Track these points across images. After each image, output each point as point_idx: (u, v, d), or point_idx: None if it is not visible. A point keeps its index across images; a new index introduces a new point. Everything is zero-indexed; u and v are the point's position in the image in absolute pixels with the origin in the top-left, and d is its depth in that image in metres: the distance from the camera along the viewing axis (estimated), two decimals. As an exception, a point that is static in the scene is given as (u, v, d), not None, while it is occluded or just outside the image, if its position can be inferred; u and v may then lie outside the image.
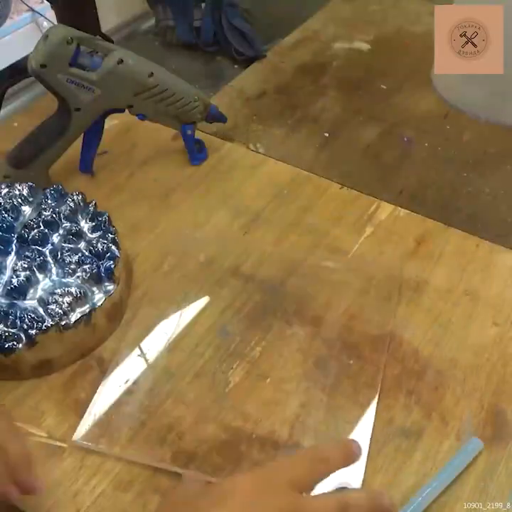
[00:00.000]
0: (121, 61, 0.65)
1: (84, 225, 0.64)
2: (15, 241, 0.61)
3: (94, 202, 0.66)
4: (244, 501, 0.39)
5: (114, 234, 0.63)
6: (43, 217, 0.62)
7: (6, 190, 0.65)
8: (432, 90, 0.93)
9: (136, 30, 1.09)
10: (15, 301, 0.57)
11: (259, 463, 0.52)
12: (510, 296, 0.64)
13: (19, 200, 0.64)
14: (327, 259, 0.67)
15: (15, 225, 0.63)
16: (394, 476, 0.51)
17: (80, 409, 0.55)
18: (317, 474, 0.42)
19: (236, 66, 0.99)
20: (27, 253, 0.59)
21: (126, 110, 0.71)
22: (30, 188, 0.66)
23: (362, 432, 0.53)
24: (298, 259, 0.67)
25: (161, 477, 0.51)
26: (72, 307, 0.57)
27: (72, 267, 0.59)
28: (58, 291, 0.57)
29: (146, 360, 0.59)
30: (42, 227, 0.62)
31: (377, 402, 0.55)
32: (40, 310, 0.56)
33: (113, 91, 0.67)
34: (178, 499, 0.43)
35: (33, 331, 0.55)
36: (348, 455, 0.43)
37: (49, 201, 0.65)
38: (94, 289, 0.59)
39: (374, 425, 0.54)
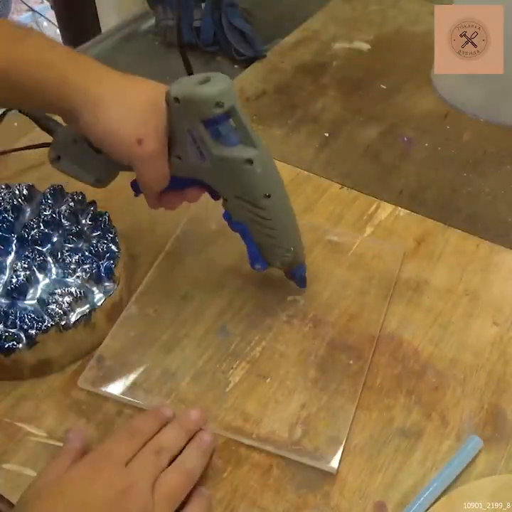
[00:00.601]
0: (250, 161, 0.53)
1: (84, 225, 0.64)
2: (15, 241, 0.61)
3: (94, 202, 0.66)
4: (78, 491, 0.44)
5: (114, 234, 0.63)
6: (43, 217, 0.62)
7: (6, 190, 0.65)
8: (432, 90, 0.93)
9: (136, 30, 1.09)
10: (15, 301, 0.57)
11: (259, 463, 0.52)
12: (510, 296, 0.64)
13: (19, 200, 0.64)
14: (327, 259, 0.67)
15: (15, 225, 0.63)
16: (394, 476, 0.51)
17: (80, 409, 0.55)
18: (136, 444, 0.47)
19: (236, 66, 0.99)
20: (27, 253, 0.59)
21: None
22: (30, 188, 0.66)
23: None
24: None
25: (161, 477, 0.51)
26: (72, 307, 0.57)
27: (72, 266, 0.59)
28: (58, 291, 0.57)
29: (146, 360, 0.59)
30: (42, 227, 0.62)
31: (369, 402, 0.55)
32: (40, 310, 0.56)
33: (222, 177, 0.55)
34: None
35: (33, 331, 0.55)
36: (161, 419, 0.50)
37: (49, 201, 0.65)
38: (94, 289, 0.59)
39: (372, 426, 0.54)
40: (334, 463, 0.51)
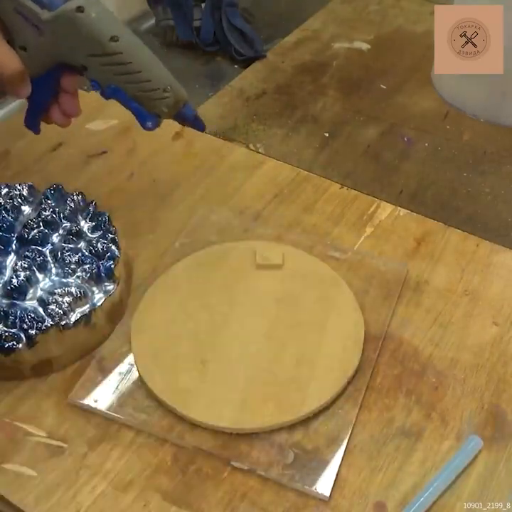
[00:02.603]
0: (81, 9, 0.52)
1: (84, 225, 0.64)
2: (15, 241, 0.61)
3: (94, 202, 0.66)
4: None
5: (114, 234, 0.63)
6: (43, 217, 0.62)
7: (6, 190, 0.65)
8: (432, 90, 0.93)
9: (136, 30, 1.09)
10: (15, 301, 0.57)
11: (259, 461, 0.52)
12: (510, 296, 0.64)
13: (19, 200, 0.64)
14: (327, 259, 0.67)
15: (15, 225, 0.63)
16: (394, 476, 0.51)
17: (80, 409, 0.55)
18: None
19: (236, 66, 0.99)
20: (27, 253, 0.59)
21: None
22: (30, 188, 0.66)
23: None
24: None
25: (161, 477, 0.51)
26: (72, 307, 0.57)
27: (72, 266, 0.59)
28: (58, 291, 0.57)
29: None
30: (42, 227, 0.62)
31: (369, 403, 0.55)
32: (40, 310, 0.56)
33: (65, 41, 0.54)
34: None
35: (33, 331, 0.55)
36: None
37: (49, 201, 0.65)
38: (94, 289, 0.59)
39: (372, 426, 0.54)
40: (326, 490, 0.50)
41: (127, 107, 0.58)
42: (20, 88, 0.54)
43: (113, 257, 0.61)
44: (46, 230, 0.62)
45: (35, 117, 0.61)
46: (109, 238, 0.63)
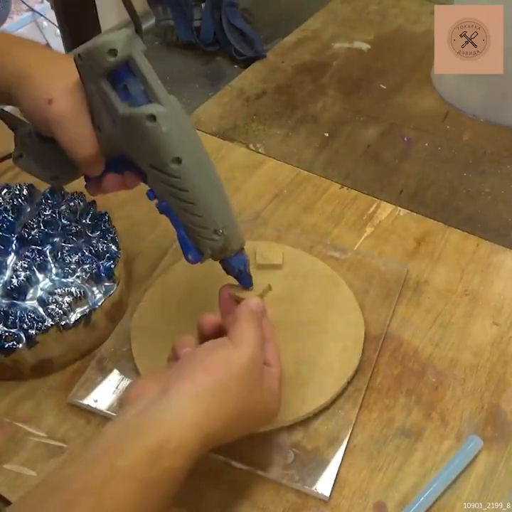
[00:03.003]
0: (153, 119, 0.48)
1: (84, 225, 0.64)
2: (15, 241, 0.61)
3: (94, 202, 0.66)
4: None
5: (114, 234, 0.63)
6: (43, 217, 0.62)
7: (6, 190, 0.65)
8: (432, 90, 0.93)
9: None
10: (15, 301, 0.57)
11: (259, 461, 0.52)
12: (510, 296, 0.64)
13: (19, 200, 0.64)
14: (327, 259, 0.67)
15: (15, 225, 0.63)
16: (394, 476, 0.51)
17: (80, 409, 0.55)
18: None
19: (236, 66, 0.99)
20: (27, 253, 0.59)
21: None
22: (30, 188, 0.66)
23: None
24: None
25: (161, 477, 0.51)
26: (72, 307, 0.57)
27: (72, 266, 0.59)
28: (58, 291, 0.57)
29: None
30: (42, 227, 0.62)
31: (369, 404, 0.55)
32: (40, 310, 0.56)
33: (133, 142, 0.51)
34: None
35: (33, 331, 0.55)
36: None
37: (49, 201, 0.65)
38: (94, 289, 0.59)
39: (372, 426, 0.54)
40: (326, 490, 0.50)
41: (175, 229, 0.53)
42: (92, 170, 0.53)
43: (113, 257, 0.61)
44: (46, 230, 0.62)
45: (94, 183, 0.56)
46: (109, 238, 0.63)
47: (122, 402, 0.53)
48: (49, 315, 0.56)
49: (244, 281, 0.54)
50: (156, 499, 0.40)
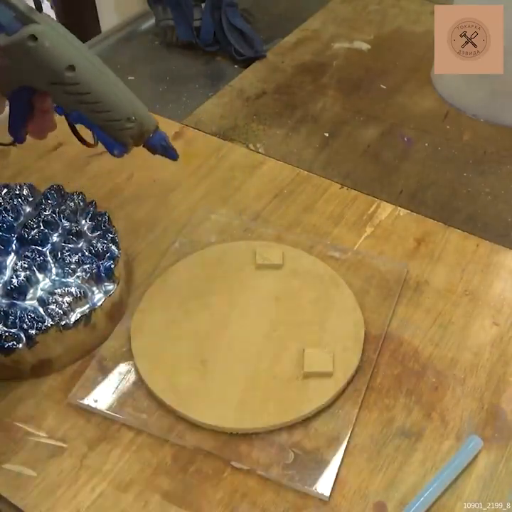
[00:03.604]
0: (34, 38, 0.51)
1: (84, 225, 0.64)
2: (15, 241, 0.61)
3: (94, 202, 0.66)
4: None
5: (114, 234, 0.63)
6: (43, 217, 0.62)
7: (6, 190, 0.65)
8: (432, 90, 0.93)
9: (136, 30, 1.09)
10: (15, 301, 0.57)
11: (259, 461, 0.52)
12: (510, 296, 0.64)
13: (19, 200, 0.64)
14: (327, 259, 0.67)
15: (15, 225, 0.63)
16: (394, 476, 0.51)
17: (80, 409, 0.55)
18: None
19: (236, 66, 0.99)
20: (27, 253, 0.59)
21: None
22: (30, 188, 0.66)
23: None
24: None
25: (162, 477, 0.51)
26: (72, 307, 0.57)
27: (72, 266, 0.59)
28: (58, 291, 0.57)
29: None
30: (42, 227, 0.62)
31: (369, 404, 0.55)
32: (40, 310, 0.56)
33: (23, 67, 0.53)
34: None
35: (33, 331, 0.55)
36: None
37: (49, 201, 0.65)
38: (94, 289, 0.59)
39: (372, 426, 0.54)
40: (326, 490, 0.50)
41: (93, 133, 0.57)
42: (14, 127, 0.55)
43: (113, 257, 0.61)
44: (46, 230, 0.62)
45: (16, 128, 0.60)
46: (109, 238, 0.63)
47: None
48: (49, 315, 0.56)
49: (171, 154, 0.59)
50: None
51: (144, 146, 0.59)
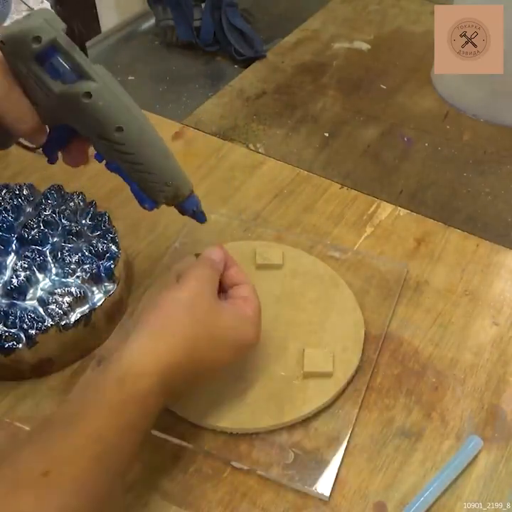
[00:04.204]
0: (89, 95, 0.51)
1: (84, 225, 0.64)
2: (15, 241, 0.61)
3: (94, 202, 0.66)
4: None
5: (114, 234, 0.63)
6: (43, 217, 0.62)
7: (6, 190, 0.65)
8: (432, 90, 0.93)
9: (136, 30, 1.09)
10: (15, 301, 0.57)
11: (259, 461, 0.52)
12: (510, 296, 0.64)
13: (19, 200, 0.64)
14: (327, 259, 0.67)
15: (15, 225, 0.63)
16: (394, 476, 0.51)
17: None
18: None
19: (236, 66, 0.99)
20: (27, 253, 0.59)
21: None
22: (30, 188, 0.66)
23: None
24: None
25: (161, 477, 0.51)
26: (72, 307, 0.57)
27: (72, 266, 0.59)
28: (58, 291, 0.57)
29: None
30: (42, 227, 0.62)
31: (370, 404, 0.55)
32: (40, 310, 0.56)
33: (72, 117, 0.54)
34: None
35: (33, 331, 0.55)
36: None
37: (49, 201, 0.65)
38: (94, 289, 0.59)
39: (372, 426, 0.54)
40: (326, 490, 0.50)
41: (127, 183, 0.58)
42: (36, 139, 0.55)
43: (113, 257, 0.61)
44: (46, 230, 0.62)
45: (51, 151, 0.59)
46: (109, 238, 0.63)
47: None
48: (49, 315, 0.56)
49: (200, 218, 0.61)
50: (128, 424, 0.44)
51: (174, 207, 0.59)
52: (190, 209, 0.60)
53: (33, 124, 0.53)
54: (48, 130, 0.56)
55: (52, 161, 0.59)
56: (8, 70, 0.51)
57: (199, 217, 0.61)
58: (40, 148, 0.60)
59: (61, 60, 0.51)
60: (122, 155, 0.55)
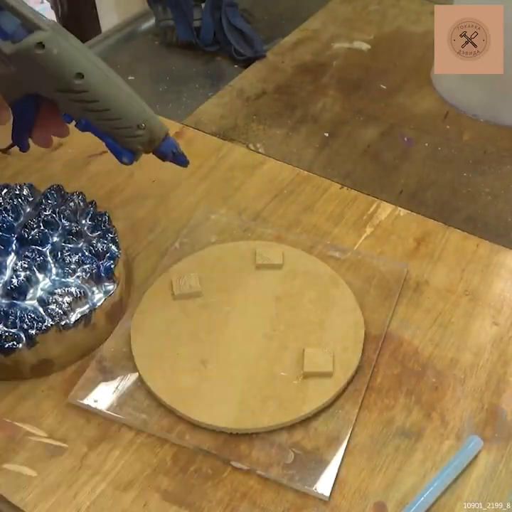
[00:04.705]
0: (41, 46, 0.50)
1: (84, 225, 0.64)
2: (15, 241, 0.61)
3: (94, 202, 0.66)
4: None
5: (114, 234, 0.63)
6: (43, 217, 0.62)
7: (6, 190, 0.65)
8: (432, 90, 0.93)
9: (136, 30, 1.09)
10: (15, 301, 0.57)
11: (259, 461, 0.52)
12: (510, 296, 0.64)
13: (19, 200, 0.64)
14: (327, 259, 0.67)
15: (15, 225, 0.63)
16: (394, 476, 0.51)
17: (80, 409, 0.55)
18: None
19: (236, 66, 0.99)
20: (27, 253, 0.59)
21: None
22: (30, 188, 0.66)
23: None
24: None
25: (161, 477, 0.51)
26: (72, 307, 0.57)
27: (72, 266, 0.59)
28: (58, 291, 0.57)
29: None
30: (42, 227, 0.62)
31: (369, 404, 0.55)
32: (40, 310, 0.56)
33: (30, 75, 0.52)
34: None
35: (33, 331, 0.55)
36: None
37: (49, 201, 0.65)
38: (94, 289, 0.59)
39: (372, 426, 0.54)
40: (326, 490, 0.50)
41: (102, 140, 0.57)
42: (1, 118, 0.54)
43: (113, 257, 0.61)
44: (46, 230, 0.62)
45: (20, 136, 0.59)
46: (109, 238, 0.63)
47: None
48: (49, 315, 0.56)
49: (181, 160, 0.59)
50: None
51: (153, 153, 0.58)
52: (170, 151, 0.58)
53: None
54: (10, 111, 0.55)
55: (23, 147, 0.58)
56: None
57: (180, 159, 0.59)
58: (10, 148, 0.59)
59: (7, 18, 0.50)
60: (88, 104, 0.53)
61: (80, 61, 0.53)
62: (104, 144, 0.57)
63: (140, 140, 0.56)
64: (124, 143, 0.56)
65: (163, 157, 0.59)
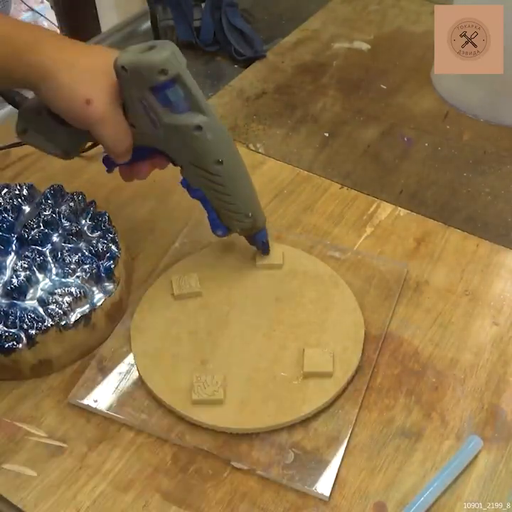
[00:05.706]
0: (199, 128, 0.54)
1: (84, 225, 0.64)
2: (15, 241, 0.61)
3: (94, 202, 0.66)
4: None
5: (114, 234, 0.63)
6: (43, 217, 0.62)
7: (6, 190, 0.65)
8: (431, 90, 0.93)
9: (136, 30, 1.09)
10: (15, 301, 0.57)
11: (259, 461, 0.52)
12: (510, 296, 0.64)
13: (19, 200, 0.64)
14: (327, 259, 0.67)
15: (15, 225, 0.63)
16: (394, 476, 0.51)
17: (80, 409, 0.55)
18: None
19: (236, 66, 0.99)
20: (27, 253, 0.59)
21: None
22: (30, 188, 0.66)
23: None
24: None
25: (161, 477, 0.51)
26: (72, 307, 0.57)
27: (72, 266, 0.59)
28: (58, 291, 0.57)
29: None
30: (42, 227, 0.62)
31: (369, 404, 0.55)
32: (40, 310, 0.56)
33: (174, 144, 0.56)
34: None
35: (33, 331, 0.55)
36: None
37: (49, 201, 0.65)
38: (94, 289, 0.59)
39: (372, 426, 0.54)
40: (326, 490, 0.50)
41: (206, 210, 0.61)
42: (122, 159, 0.57)
43: (113, 257, 0.61)
44: (46, 230, 0.62)
45: (111, 164, 0.61)
46: (109, 238, 0.63)
47: None
48: (49, 315, 0.56)
49: (265, 250, 0.65)
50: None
51: (244, 236, 0.64)
52: (260, 240, 0.64)
53: (127, 145, 0.56)
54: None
55: (109, 171, 0.62)
56: (119, 93, 0.53)
57: (265, 249, 0.65)
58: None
59: (178, 91, 0.53)
60: (214, 185, 0.58)
61: (224, 149, 0.57)
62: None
63: (242, 226, 0.61)
64: (228, 223, 0.61)
65: (252, 243, 0.64)
